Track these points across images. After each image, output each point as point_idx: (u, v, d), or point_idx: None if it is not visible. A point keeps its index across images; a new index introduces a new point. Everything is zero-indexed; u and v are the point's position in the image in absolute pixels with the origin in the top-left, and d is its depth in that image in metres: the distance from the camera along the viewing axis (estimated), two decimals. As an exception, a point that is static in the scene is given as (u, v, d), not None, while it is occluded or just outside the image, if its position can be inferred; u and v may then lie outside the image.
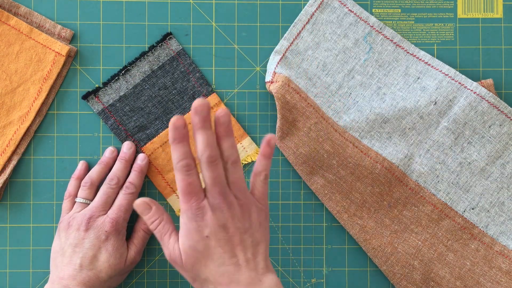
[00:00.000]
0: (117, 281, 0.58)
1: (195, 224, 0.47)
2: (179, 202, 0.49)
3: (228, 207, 0.47)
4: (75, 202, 0.58)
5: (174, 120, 0.46)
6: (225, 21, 0.63)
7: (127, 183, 0.58)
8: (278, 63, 0.61)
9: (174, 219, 0.62)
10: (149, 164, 0.61)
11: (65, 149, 0.62)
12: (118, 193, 0.58)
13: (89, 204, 0.58)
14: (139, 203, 0.50)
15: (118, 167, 0.59)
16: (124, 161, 0.59)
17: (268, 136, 0.49)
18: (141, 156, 0.61)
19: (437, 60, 0.61)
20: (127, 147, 0.60)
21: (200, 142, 0.46)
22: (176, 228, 0.50)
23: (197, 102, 0.46)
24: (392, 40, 0.62)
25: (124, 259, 0.57)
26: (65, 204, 0.59)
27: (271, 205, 0.62)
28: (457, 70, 0.61)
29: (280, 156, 0.63)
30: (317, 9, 0.62)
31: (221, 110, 0.47)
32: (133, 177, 0.59)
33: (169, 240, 0.49)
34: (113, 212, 0.57)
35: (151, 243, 0.62)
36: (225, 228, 0.47)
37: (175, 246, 0.49)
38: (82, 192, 0.58)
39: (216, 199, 0.47)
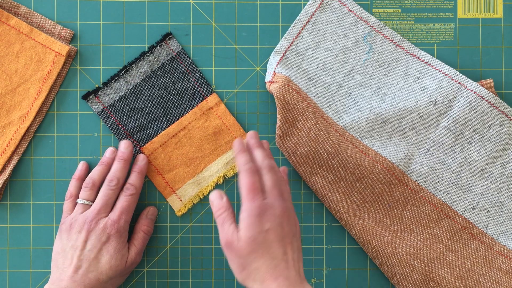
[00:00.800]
0: (117, 283, 0.58)
1: (258, 218, 0.51)
2: (242, 199, 0.53)
3: (286, 209, 0.52)
4: (76, 203, 0.58)
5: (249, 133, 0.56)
6: (225, 21, 0.63)
7: (127, 185, 0.58)
8: (278, 63, 0.61)
9: (183, 219, 0.62)
10: (149, 164, 0.61)
11: (65, 149, 0.62)
12: (118, 194, 0.58)
13: (90, 205, 0.58)
14: (214, 192, 0.55)
15: (116, 167, 0.59)
16: (123, 161, 0.59)
17: (283, 167, 0.58)
18: (140, 157, 0.61)
19: (437, 60, 0.61)
20: (124, 146, 0.60)
21: (260, 155, 0.54)
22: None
23: (252, 132, 0.56)
24: (392, 40, 0.62)
25: (125, 260, 0.57)
26: (66, 204, 0.59)
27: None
28: (457, 70, 0.61)
29: (280, 156, 0.63)
30: (317, 9, 0.62)
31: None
32: (133, 178, 0.59)
33: (230, 227, 0.52)
34: (114, 214, 0.57)
35: (151, 244, 0.62)
36: (282, 226, 0.51)
37: (234, 233, 0.51)
38: (84, 194, 0.58)
39: (277, 199, 0.52)
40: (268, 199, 0.52)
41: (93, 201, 0.58)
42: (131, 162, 0.61)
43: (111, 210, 0.57)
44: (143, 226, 0.60)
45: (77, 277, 0.54)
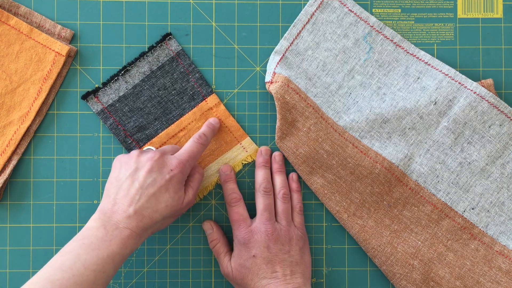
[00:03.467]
0: (167, 223, 0.56)
1: (244, 246, 0.57)
2: (232, 230, 0.59)
3: (273, 231, 0.57)
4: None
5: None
6: (225, 21, 0.63)
7: (200, 133, 0.58)
8: (278, 63, 0.61)
9: (183, 219, 0.62)
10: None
11: (65, 149, 0.62)
12: (195, 152, 0.57)
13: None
14: (205, 223, 0.61)
15: (204, 127, 0.60)
16: (213, 126, 0.60)
17: (291, 173, 0.62)
18: (214, 119, 0.61)
19: (437, 60, 0.61)
20: (213, 121, 0.61)
21: (260, 176, 0.60)
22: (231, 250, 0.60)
23: (264, 147, 0.62)
24: (392, 40, 0.62)
25: (181, 202, 0.54)
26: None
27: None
28: (457, 70, 0.61)
29: (280, 156, 0.63)
30: (317, 9, 0.62)
31: (278, 152, 0.62)
32: (205, 129, 0.59)
33: (224, 259, 0.59)
34: (182, 155, 0.55)
35: (152, 243, 0.62)
36: (269, 248, 0.56)
37: (228, 264, 0.58)
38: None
39: (264, 223, 0.57)
40: (257, 223, 0.57)
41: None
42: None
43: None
44: (198, 168, 0.58)
45: (131, 212, 0.51)
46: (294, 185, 0.62)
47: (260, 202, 0.59)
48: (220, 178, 0.61)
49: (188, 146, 0.57)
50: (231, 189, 0.60)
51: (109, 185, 0.54)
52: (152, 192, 0.52)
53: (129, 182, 0.53)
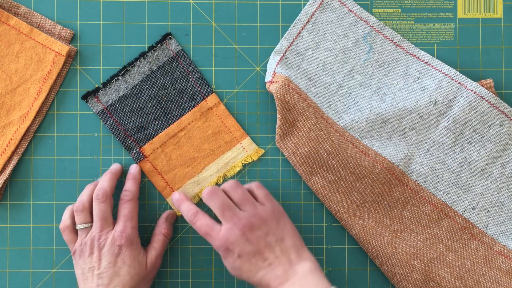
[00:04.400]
0: None
1: (226, 251, 0.54)
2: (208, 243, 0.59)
3: (242, 224, 0.54)
4: (76, 231, 0.58)
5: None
6: (225, 21, 0.63)
7: (123, 192, 0.58)
8: (278, 63, 0.61)
9: (183, 219, 0.62)
10: (149, 164, 0.61)
11: (65, 149, 0.62)
12: (111, 205, 0.58)
13: (90, 226, 0.57)
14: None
15: (102, 179, 0.59)
16: (109, 173, 0.59)
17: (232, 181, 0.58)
18: (133, 166, 0.61)
19: (437, 60, 0.61)
20: (113, 165, 0.61)
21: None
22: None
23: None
24: (392, 40, 0.62)
25: (144, 266, 0.57)
26: (66, 236, 0.58)
27: (271, 205, 0.62)
28: (457, 70, 0.61)
29: (280, 156, 0.63)
30: (317, 9, 0.62)
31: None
32: (128, 184, 0.59)
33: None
34: (119, 225, 0.56)
35: (151, 243, 0.62)
36: (249, 240, 0.54)
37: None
38: (79, 218, 0.57)
39: (229, 222, 0.54)
40: (223, 225, 0.55)
41: (91, 222, 0.57)
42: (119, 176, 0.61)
43: (114, 223, 0.57)
44: (163, 229, 0.60)
45: None
46: (253, 186, 0.59)
47: (213, 204, 0.56)
48: (174, 205, 0.61)
49: (119, 212, 0.57)
50: (187, 208, 0.57)
51: (78, 281, 0.57)
52: (111, 271, 0.55)
53: (90, 272, 0.55)
